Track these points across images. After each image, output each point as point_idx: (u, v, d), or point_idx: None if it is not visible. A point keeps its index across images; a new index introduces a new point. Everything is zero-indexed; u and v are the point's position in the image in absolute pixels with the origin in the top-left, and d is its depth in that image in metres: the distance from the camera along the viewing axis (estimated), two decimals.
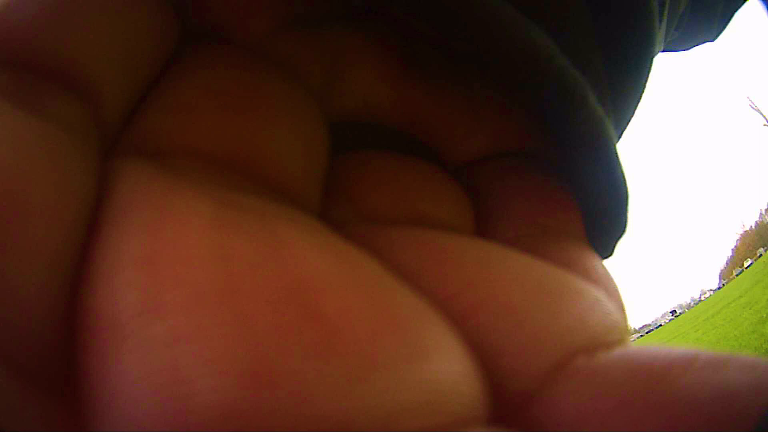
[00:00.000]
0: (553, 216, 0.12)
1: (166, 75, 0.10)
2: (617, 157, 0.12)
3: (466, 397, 0.07)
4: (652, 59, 0.14)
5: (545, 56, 0.11)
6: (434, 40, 0.12)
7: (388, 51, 0.13)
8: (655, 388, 0.07)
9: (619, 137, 0.16)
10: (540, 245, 0.11)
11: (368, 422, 0.06)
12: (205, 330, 0.06)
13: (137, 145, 0.09)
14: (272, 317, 0.06)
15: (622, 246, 0.14)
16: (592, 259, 0.11)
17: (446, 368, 0.07)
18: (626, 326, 0.09)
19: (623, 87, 0.14)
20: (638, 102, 0.15)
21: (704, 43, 0.30)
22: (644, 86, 0.15)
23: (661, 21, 0.15)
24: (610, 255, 0.14)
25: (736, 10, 0.28)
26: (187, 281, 0.06)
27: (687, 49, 0.31)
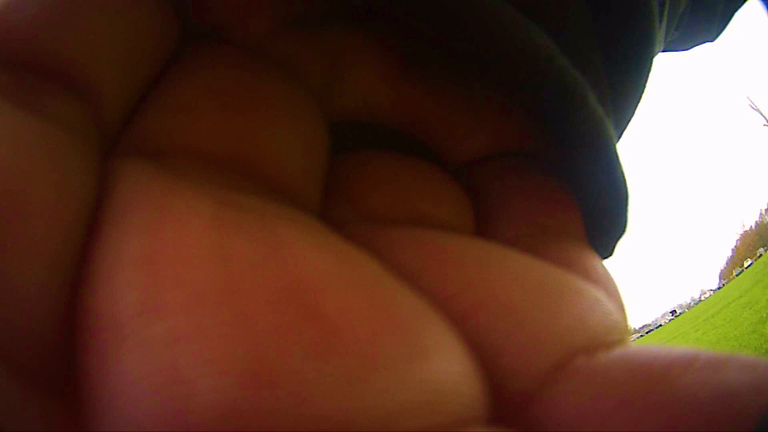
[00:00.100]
0: (553, 216, 0.12)
1: (166, 75, 0.10)
2: (617, 157, 0.12)
3: (466, 397, 0.07)
4: (652, 59, 0.14)
5: (545, 56, 0.11)
6: (434, 40, 0.12)
7: (388, 51, 0.13)
8: (655, 388, 0.07)
9: (619, 137, 0.16)
10: (540, 245, 0.11)
11: (368, 422, 0.06)
12: (205, 330, 0.06)
13: (137, 145, 0.09)
14: (272, 317, 0.06)
15: (622, 246, 0.14)
16: (592, 259, 0.11)
17: (446, 368, 0.07)
18: (626, 326, 0.09)
19: (623, 87, 0.14)
20: (638, 102, 0.15)
21: (704, 43, 0.30)
22: (644, 86, 0.15)
23: (661, 21, 0.15)
24: (610, 255, 0.14)
25: (736, 10, 0.28)
26: (187, 281, 0.06)
27: (687, 49, 0.31)
